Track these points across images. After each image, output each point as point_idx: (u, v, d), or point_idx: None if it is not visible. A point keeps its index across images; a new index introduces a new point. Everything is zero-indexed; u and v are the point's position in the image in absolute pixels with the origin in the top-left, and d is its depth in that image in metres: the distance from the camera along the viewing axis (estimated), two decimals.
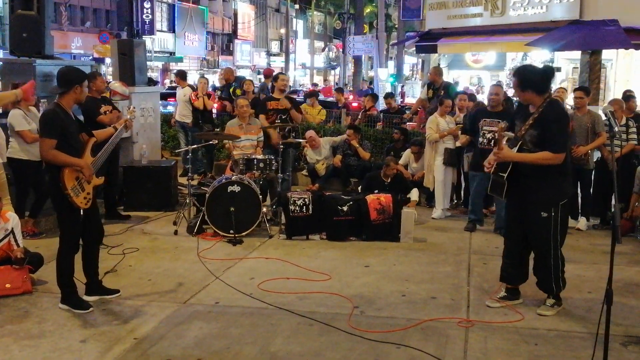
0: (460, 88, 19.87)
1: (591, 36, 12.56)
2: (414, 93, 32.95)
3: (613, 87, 17.61)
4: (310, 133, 10.92)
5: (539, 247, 5.40)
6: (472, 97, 10.98)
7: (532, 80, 5.27)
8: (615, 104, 8.70)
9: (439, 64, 18.88)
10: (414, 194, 9.08)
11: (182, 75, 13.11)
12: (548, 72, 5.46)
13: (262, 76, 42.57)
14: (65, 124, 5.22)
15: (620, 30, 12.24)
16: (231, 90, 13.26)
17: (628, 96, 9.32)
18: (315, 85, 38.81)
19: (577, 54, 15.15)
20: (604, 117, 5.16)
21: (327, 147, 10.92)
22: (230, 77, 13.88)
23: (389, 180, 9.07)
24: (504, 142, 5.28)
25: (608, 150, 8.02)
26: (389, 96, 14.82)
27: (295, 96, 16.05)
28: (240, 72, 35.89)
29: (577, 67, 15.63)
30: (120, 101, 9.58)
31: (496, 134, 5.34)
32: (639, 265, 7.01)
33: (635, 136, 8.59)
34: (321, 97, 19.57)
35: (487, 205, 9.02)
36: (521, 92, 5.26)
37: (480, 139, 8.04)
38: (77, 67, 5.65)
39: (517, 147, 5.26)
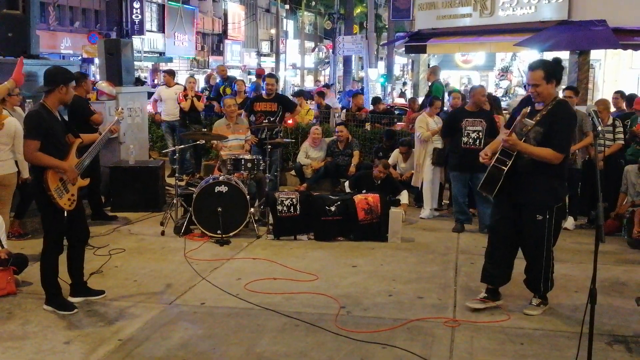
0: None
1: (579, 36, 12.64)
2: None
3: (601, 87, 17.70)
4: (317, 128, 10.97)
5: (532, 249, 5.36)
6: (463, 97, 11.02)
7: (558, 70, 5.25)
8: (601, 104, 8.75)
9: (428, 64, 18.93)
10: (404, 197, 9.08)
11: (173, 73, 13.09)
12: (561, 63, 5.48)
13: (252, 76, 42.42)
14: (49, 125, 5.18)
15: (609, 30, 12.32)
16: (221, 89, 13.26)
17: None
18: (318, 81, 38.86)
19: (565, 54, 15.18)
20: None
21: (324, 147, 10.90)
22: (224, 74, 14.09)
23: (379, 182, 9.06)
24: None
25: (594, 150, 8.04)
26: (377, 101, 14.95)
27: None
28: (230, 73, 35.72)
29: (566, 67, 15.70)
30: (107, 101, 9.54)
31: (517, 120, 5.09)
32: (626, 264, 7.05)
33: (621, 136, 8.63)
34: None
35: (472, 204, 9.00)
36: (547, 83, 5.10)
37: (465, 139, 8.05)
38: (65, 67, 5.60)
39: None
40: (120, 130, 9.79)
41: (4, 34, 8.46)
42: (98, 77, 15.58)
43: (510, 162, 5.15)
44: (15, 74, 6.21)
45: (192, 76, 14.13)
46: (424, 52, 17.75)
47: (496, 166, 5.22)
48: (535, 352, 4.71)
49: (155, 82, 32.47)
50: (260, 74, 15.63)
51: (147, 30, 37.19)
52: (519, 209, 5.31)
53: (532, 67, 5.20)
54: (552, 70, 5.15)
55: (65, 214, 5.28)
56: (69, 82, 5.32)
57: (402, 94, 32.30)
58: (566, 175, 5.43)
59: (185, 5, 42.66)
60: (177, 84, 12.68)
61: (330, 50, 47.80)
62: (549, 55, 20.31)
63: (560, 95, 10.10)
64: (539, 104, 5.20)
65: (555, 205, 5.24)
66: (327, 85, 24.29)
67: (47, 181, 5.10)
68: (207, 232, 7.69)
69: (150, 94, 12.93)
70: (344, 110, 13.54)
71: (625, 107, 9.89)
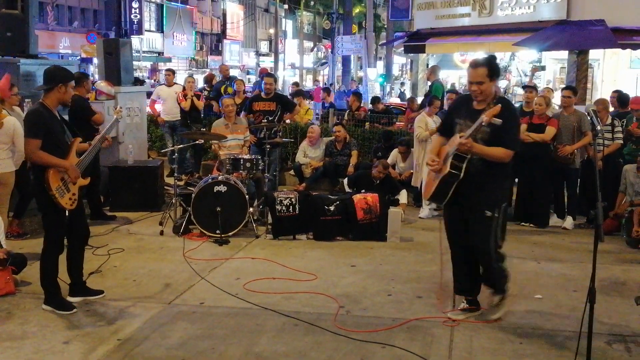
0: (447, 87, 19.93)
1: (578, 36, 12.64)
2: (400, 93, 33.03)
3: (600, 87, 17.70)
4: (312, 128, 10.99)
5: (480, 246, 5.12)
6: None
7: (498, 68, 5.14)
8: (601, 103, 8.76)
9: (427, 64, 18.94)
10: (403, 197, 9.08)
11: (174, 72, 13.15)
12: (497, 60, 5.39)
13: (250, 76, 42.29)
14: (49, 123, 5.18)
15: (607, 30, 12.32)
16: (222, 88, 13.29)
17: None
18: (317, 81, 38.94)
19: (564, 54, 15.20)
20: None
21: (323, 147, 10.89)
22: (227, 73, 14.10)
23: (377, 182, 9.05)
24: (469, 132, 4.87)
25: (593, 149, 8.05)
26: (376, 101, 14.96)
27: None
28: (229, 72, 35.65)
29: (565, 67, 15.72)
30: (105, 101, 9.54)
31: (485, 120, 4.75)
32: (625, 263, 7.05)
33: (620, 135, 8.63)
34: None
35: None
36: (490, 81, 4.96)
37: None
38: (65, 67, 5.61)
39: None
40: (119, 130, 9.81)
41: (3, 33, 8.47)
42: (97, 76, 15.59)
43: (464, 166, 4.93)
44: (2, 91, 6.22)
45: (190, 76, 14.15)
46: (423, 51, 17.75)
47: (451, 172, 4.95)
48: (534, 351, 4.70)
49: (154, 81, 32.52)
50: (264, 72, 15.72)
51: (145, 30, 37.21)
52: (468, 210, 5.12)
53: (476, 65, 4.99)
54: (494, 68, 5.03)
55: (67, 214, 5.28)
56: (68, 81, 5.32)
57: (400, 94, 32.35)
58: (510, 173, 5.30)
59: (181, 4, 42.66)
60: (175, 83, 12.70)
61: (329, 50, 47.83)
62: (546, 56, 20.29)
63: (559, 95, 10.16)
64: (479, 103, 5.00)
65: (503, 204, 5.14)
66: (296, 84, 24.21)
67: (49, 181, 5.09)
68: (206, 232, 7.69)
69: (149, 94, 12.91)
70: (347, 111, 13.57)
71: (618, 107, 9.87)
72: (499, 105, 4.77)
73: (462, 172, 4.94)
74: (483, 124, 4.76)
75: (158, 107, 12.96)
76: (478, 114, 4.86)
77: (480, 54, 23.98)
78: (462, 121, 5.05)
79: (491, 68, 4.97)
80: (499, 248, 5.20)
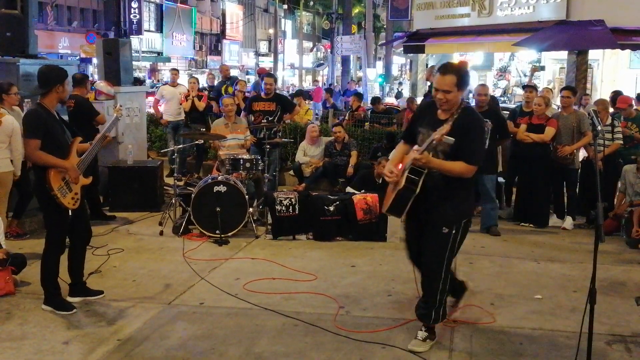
0: None
1: (578, 36, 12.65)
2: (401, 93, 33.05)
3: (599, 87, 17.73)
4: (314, 126, 11.00)
5: (430, 265, 4.77)
6: None
7: (468, 78, 4.85)
8: (600, 104, 8.77)
9: (427, 64, 18.95)
10: None
11: (179, 72, 13.16)
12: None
13: (250, 76, 42.23)
14: (48, 123, 5.17)
15: (607, 30, 12.33)
16: (223, 88, 13.30)
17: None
18: (317, 81, 38.91)
19: (563, 54, 15.22)
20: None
21: (322, 146, 10.89)
22: (227, 73, 14.13)
23: (380, 181, 9.04)
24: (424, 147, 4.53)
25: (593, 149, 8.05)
26: (376, 101, 14.98)
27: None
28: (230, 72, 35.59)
29: (564, 67, 15.73)
30: (105, 101, 9.54)
31: (436, 138, 4.39)
32: (624, 264, 7.05)
33: (620, 136, 8.64)
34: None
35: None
36: (457, 90, 4.55)
37: None
38: (57, 65, 5.59)
39: None
40: (118, 130, 9.80)
41: (3, 33, 8.46)
42: (96, 77, 15.58)
43: (421, 181, 4.56)
44: None
45: (192, 76, 14.14)
46: (422, 52, 17.77)
47: (407, 186, 4.58)
48: (534, 352, 4.71)
49: (154, 81, 32.48)
50: (262, 73, 15.72)
51: (145, 30, 37.18)
52: (425, 225, 4.78)
53: (444, 72, 4.59)
54: (464, 78, 4.62)
55: (70, 213, 5.28)
56: (64, 79, 5.30)
57: (397, 93, 32.39)
58: (473, 188, 4.99)
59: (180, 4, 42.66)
60: (179, 84, 12.69)
61: (329, 50, 47.86)
62: (546, 56, 20.26)
63: (558, 96, 10.17)
64: (444, 112, 4.64)
65: (463, 220, 4.74)
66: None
67: (50, 181, 5.09)
68: (205, 232, 7.68)
69: (149, 94, 12.90)
70: (349, 111, 13.59)
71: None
72: (449, 124, 4.42)
73: (417, 187, 4.56)
74: (434, 142, 4.46)
75: (161, 107, 12.91)
76: (441, 124, 4.47)
77: (480, 55, 24.01)
78: (425, 130, 4.69)
79: (460, 77, 4.58)
80: (449, 273, 4.84)
